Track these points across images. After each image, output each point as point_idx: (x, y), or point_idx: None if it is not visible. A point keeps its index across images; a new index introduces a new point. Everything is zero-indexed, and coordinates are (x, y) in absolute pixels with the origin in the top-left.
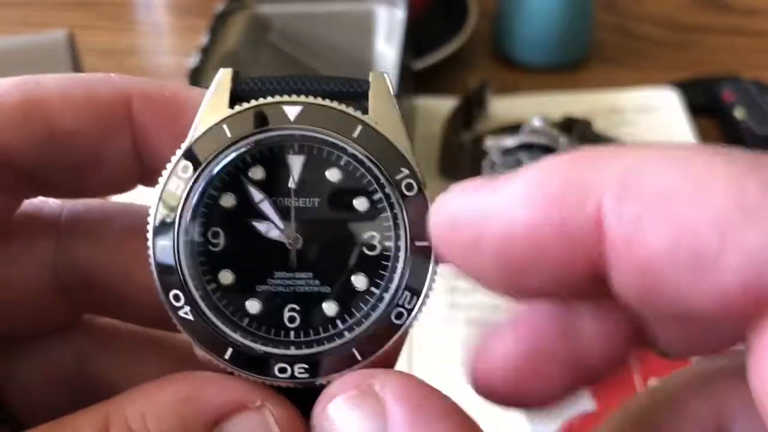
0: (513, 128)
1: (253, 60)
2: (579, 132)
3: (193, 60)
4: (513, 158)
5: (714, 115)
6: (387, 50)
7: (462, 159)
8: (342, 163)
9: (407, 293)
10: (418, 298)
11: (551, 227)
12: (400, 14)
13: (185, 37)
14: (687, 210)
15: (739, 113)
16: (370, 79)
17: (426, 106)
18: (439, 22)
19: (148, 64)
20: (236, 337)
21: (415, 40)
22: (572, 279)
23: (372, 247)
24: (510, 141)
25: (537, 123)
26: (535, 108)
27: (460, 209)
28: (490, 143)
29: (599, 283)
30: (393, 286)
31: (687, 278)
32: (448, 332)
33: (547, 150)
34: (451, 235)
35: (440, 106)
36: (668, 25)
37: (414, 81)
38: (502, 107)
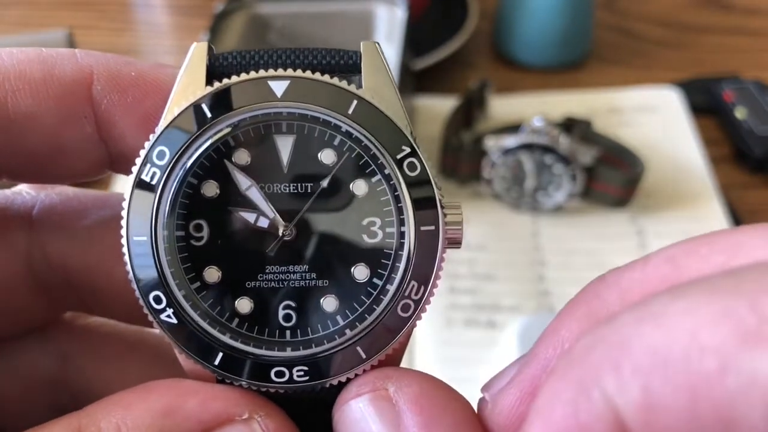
0: (513, 128)
1: None
2: (579, 132)
3: None
4: (513, 158)
5: (714, 115)
6: (387, 50)
7: (462, 159)
8: (336, 143)
9: (414, 283)
10: (426, 288)
11: None
12: (400, 14)
13: (185, 37)
14: (686, 369)
15: (739, 113)
16: (362, 49)
17: (426, 106)
18: (439, 22)
19: None
20: (226, 340)
21: (415, 40)
22: None
23: (373, 235)
24: (510, 141)
25: (537, 123)
26: (535, 108)
27: None
28: (490, 143)
29: None
30: (398, 276)
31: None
32: (448, 333)
33: (547, 150)
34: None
35: (440, 106)
36: (668, 25)
37: (414, 81)
38: (502, 107)
